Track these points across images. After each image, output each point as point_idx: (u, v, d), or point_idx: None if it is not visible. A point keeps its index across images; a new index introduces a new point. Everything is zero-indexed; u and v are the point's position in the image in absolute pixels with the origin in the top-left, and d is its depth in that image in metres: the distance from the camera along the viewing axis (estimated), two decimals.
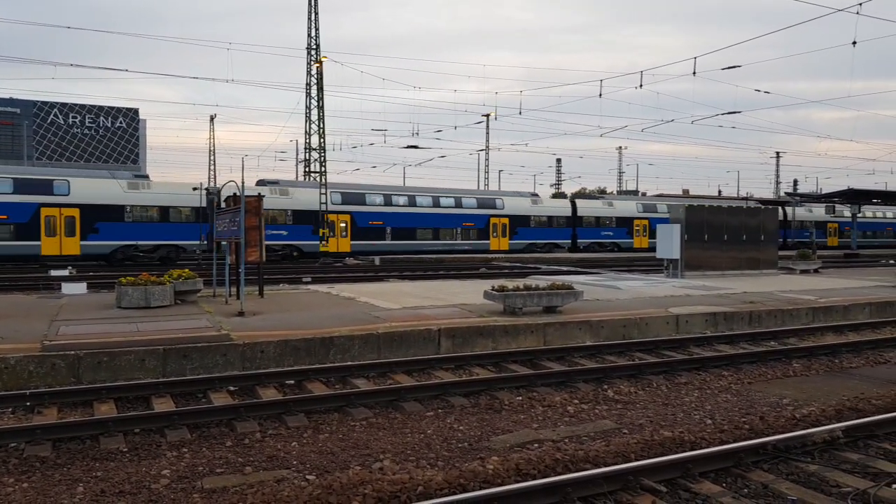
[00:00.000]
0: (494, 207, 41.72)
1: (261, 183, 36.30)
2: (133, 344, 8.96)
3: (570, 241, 44.08)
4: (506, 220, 41.52)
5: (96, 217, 29.05)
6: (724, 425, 6.85)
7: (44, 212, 27.91)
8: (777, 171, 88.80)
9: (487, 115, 54.39)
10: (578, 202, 46.20)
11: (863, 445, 6.25)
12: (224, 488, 5.29)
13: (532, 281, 15.94)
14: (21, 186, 27.55)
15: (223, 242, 15.22)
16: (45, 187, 28.42)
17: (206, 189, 31.83)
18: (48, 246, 28.19)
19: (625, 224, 46.24)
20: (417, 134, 47.03)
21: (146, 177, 33.85)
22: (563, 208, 45.04)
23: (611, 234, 45.58)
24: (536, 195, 46.29)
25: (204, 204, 30.85)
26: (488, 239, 40.92)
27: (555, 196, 48.25)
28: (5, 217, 27.39)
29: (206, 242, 30.44)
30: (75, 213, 28.56)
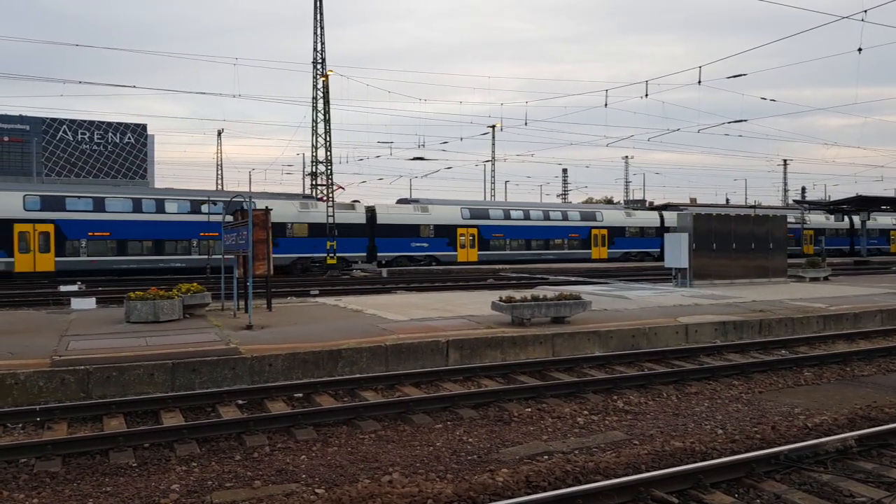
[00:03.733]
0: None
1: (671, 207, 50.19)
2: (142, 358, 8.99)
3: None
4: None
5: (614, 235, 45.37)
6: (735, 435, 6.80)
7: (593, 231, 44.45)
8: (785, 178, 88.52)
9: (493, 127, 54.57)
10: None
11: (876, 454, 6.19)
12: (233, 502, 5.28)
13: (540, 291, 15.91)
14: (581, 215, 44.89)
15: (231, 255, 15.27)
16: (592, 216, 45.14)
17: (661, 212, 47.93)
18: (594, 253, 44.36)
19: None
20: (423, 146, 47.25)
21: (637, 207, 49.26)
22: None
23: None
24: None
25: (659, 224, 46.93)
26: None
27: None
28: (576, 235, 44.02)
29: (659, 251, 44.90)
30: (605, 232, 44.88)
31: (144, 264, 31.37)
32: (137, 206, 31.47)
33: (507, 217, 42.26)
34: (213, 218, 26.83)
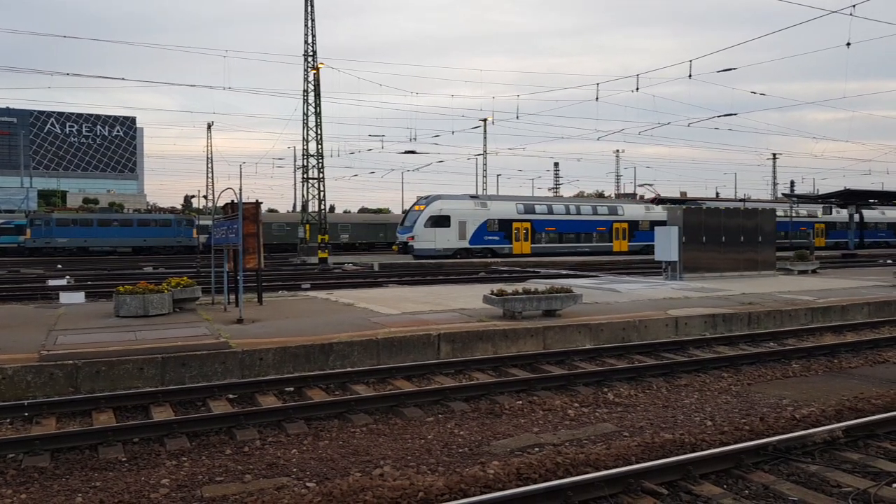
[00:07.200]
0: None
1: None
2: (131, 353, 8.94)
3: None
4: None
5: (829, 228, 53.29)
6: (724, 427, 6.85)
7: (816, 226, 52.16)
8: (774, 172, 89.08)
9: (485, 120, 54.54)
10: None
11: (863, 445, 6.25)
12: (224, 496, 5.27)
13: (531, 285, 15.93)
14: (808, 212, 52.66)
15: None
16: (815, 213, 52.73)
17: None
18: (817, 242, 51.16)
19: None
20: (415, 139, 47.40)
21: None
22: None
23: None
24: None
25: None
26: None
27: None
28: (804, 229, 49.67)
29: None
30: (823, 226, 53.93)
31: (571, 250, 43.10)
32: (568, 210, 44.48)
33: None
34: (600, 218, 44.83)
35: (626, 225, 46.00)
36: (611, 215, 45.86)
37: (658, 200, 49.66)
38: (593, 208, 46.17)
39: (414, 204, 42.44)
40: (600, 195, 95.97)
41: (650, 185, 55.10)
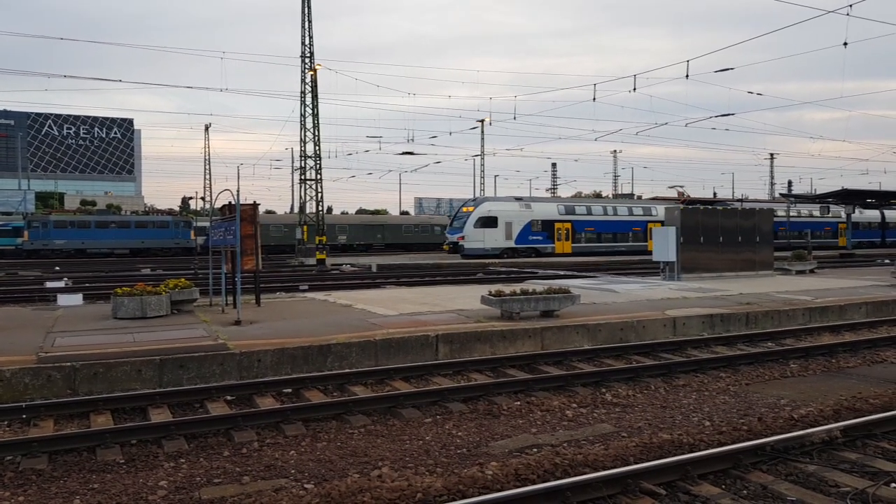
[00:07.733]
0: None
1: None
2: (129, 354, 8.93)
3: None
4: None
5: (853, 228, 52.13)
6: (722, 427, 6.85)
7: (840, 226, 53.89)
8: (771, 172, 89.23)
9: (482, 121, 54.61)
10: None
11: (861, 445, 6.26)
12: (222, 498, 5.26)
13: (529, 285, 15.93)
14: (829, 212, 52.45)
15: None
16: (838, 214, 52.77)
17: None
18: (840, 241, 53.73)
19: None
20: (412, 140, 47.52)
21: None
22: None
23: None
24: None
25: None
26: None
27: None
28: (829, 229, 53.19)
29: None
30: (844, 226, 52.59)
31: (609, 249, 44.97)
32: (605, 211, 46.65)
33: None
34: (636, 218, 46.91)
35: (659, 225, 46.90)
36: (646, 216, 47.48)
37: (689, 202, 50.37)
38: (629, 209, 48.08)
39: (461, 206, 45.18)
40: (598, 195, 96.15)
41: (681, 186, 55.74)
